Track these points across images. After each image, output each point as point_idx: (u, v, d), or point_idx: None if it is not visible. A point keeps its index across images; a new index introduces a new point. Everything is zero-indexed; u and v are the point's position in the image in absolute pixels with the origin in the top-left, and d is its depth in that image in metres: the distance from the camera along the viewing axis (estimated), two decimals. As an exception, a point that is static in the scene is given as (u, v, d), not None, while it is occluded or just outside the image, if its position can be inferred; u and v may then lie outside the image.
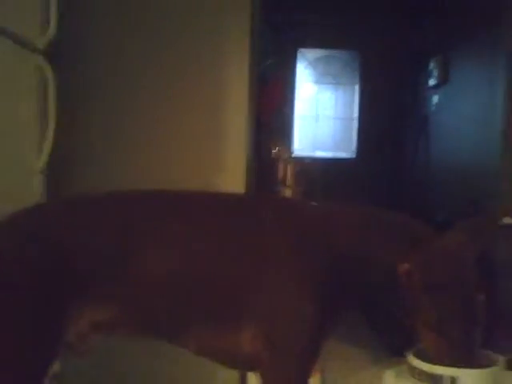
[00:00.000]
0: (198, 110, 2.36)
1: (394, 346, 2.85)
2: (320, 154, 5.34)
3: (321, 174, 3.10)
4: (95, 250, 1.21)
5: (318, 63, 5.46)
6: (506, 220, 2.74)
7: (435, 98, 4.19)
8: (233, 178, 2.36)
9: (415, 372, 1.27)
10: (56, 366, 1.32)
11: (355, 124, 5.43)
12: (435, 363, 1.24)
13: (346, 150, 5.45)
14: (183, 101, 2.36)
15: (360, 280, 1.27)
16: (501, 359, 1.30)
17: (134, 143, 2.35)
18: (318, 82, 5.50)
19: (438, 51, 4.07)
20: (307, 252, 1.25)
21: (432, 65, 4.18)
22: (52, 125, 1.96)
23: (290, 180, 2.65)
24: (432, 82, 4.19)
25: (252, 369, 1.35)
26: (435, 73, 4.13)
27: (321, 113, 5.52)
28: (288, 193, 2.62)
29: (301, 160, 2.99)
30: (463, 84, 3.67)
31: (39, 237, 1.18)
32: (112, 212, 1.27)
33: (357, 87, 5.42)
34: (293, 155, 4.84)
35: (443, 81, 4.00)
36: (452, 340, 1.20)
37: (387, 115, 5.18)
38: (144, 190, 1.36)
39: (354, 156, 5.40)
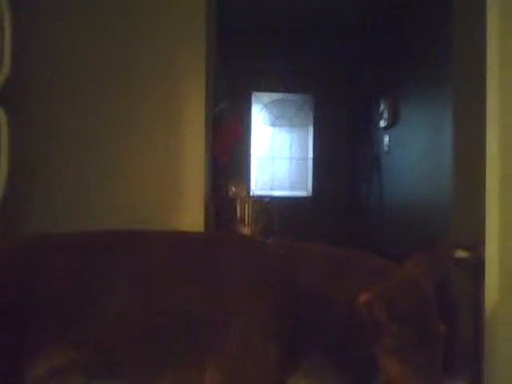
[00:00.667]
0: (154, 150, 2.39)
1: None
2: (277, 193, 5.42)
3: (278, 212, 3.15)
4: (50, 293, 1.19)
5: (272, 106, 5.60)
6: (458, 254, 2.85)
7: (386, 139, 4.33)
8: (192, 218, 2.38)
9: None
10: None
11: (310, 164, 5.56)
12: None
13: (302, 188, 5.56)
14: (140, 142, 2.38)
15: (322, 317, 1.28)
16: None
17: (93, 185, 2.36)
18: (273, 124, 5.63)
19: (388, 94, 4.24)
20: (268, 291, 1.25)
21: (382, 106, 4.34)
22: (5, 167, 1.96)
23: (248, 218, 2.68)
24: (383, 123, 4.34)
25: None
26: (385, 114, 4.29)
27: (276, 154, 5.63)
28: (247, 231, 2.65)
29: (259, 199, 3.03)
30: (413, 125, 3.82)
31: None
32: (67, 254, 1.25)
33: (311, 128, 5.57)
34: (250, 194, 4.90)
35: (393, 122, 4.16)
36: (417, 367, 1.22)
37: (341, 155, 5.33)
38: (100, 230, 1.35)
39: (309, 194, 5.50)
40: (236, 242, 1.40)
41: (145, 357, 1.24)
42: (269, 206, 2.73)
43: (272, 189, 5.50)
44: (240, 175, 4.77)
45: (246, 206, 2.69)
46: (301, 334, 1.27)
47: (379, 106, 4.40)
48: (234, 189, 3.51)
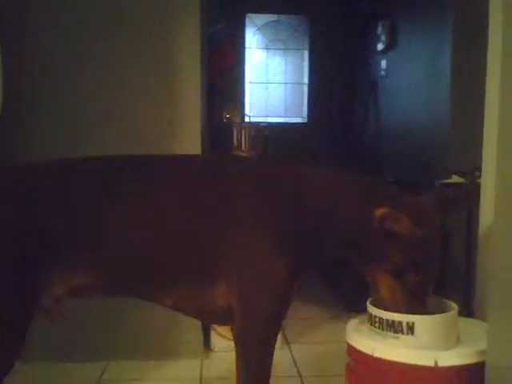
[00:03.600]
0: (151, 76, 2.35)
1: (350, 302, 2.97)
2: (272, 119, 5.37)
3: (274, 138, 3.14)
4: (70, 215, 1.22)
5: (266, 28, 5.44)
6: (455, 179, 2.87)
7: (383, 63, 4.26)
8: (189, 144, 2.37)
9: (375, 321, 1.35)
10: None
11: (305, 89, 5.47)
12: (391, 311, 1.33)
13: (297, 114, 5.50)
14: (136, 68, 2.34)
15: (328, 235, 1.33)
16: (453, 305, 1.39)
17: (90, 112, 2.33)
18: (267, 47, 5.50)
19: (386, 16, 4.12)
20: (277, 210, 1.30)
21: (380, 29, 4.23)
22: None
23: (245, 144, 2.68)
24: (380, 46, 4.24)
25: (225, 323, 1.41)
26: (383, 38, 4.18)
27: (271, 78, 5.53)
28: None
29: (256, 124, 3.01)
30: (411, 48, 3.74)
31: (14, 199, 1.19)
32: (85, 178, 1.28)
33: (306, 52, 5.45)
34: (245, 120, 4.87)
35: (391, 45, 4.07)
36: (408, 287, 1.30)
37: (337, 80, 5.24)
38: (113, 156, 1.38)
39: (305, 121, 5.46)
40: (246, 163, 1.42)
41: (159, 277, 1.30)
42: (265, 132, 2.71)
43: (267, 115, 5.45)
44: (234, 101, 4.71)
45: (243, 131, 2.68)
46: (307, 252, 1.33)
47: (376, 28, 4.29)
48: (228, 115, 3.48)
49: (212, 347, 2.47)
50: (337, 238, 1.34)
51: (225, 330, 2.56)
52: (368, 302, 1.40)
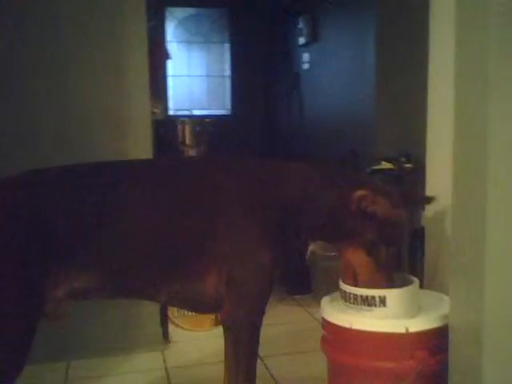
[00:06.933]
0: (101, 77, 2.36)
1: (291, 287, 3.14)
2: (196, 112, 5.43)
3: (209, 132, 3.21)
4: (72, 220, 1.26)
5: (187, 22, 5.48)
6: (384, 165, 3.10)
7: (306, 56, 4.42)
8: (139, 143, 2.41)
9: (350, 297, 1.49)
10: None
11: (228, 81, 5.57)
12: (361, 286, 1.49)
13: (221, 107, 5.59)
14: (86, 71, 2.33)
15: (307, 220, 1.46)
16: (413, 279, 1.56)
17: (38, 119, 2.30)
18: (188, 41, 5.53)
19: (307, 10, 4.28)
20: (262, 201, 1.41)
21: (301, 23, 4.39)
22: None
23: (190, 140, 2.74)
24: (302, 40, 4.41)
25: (214, 311, 1.50)
26: (305, 31, 4.35)
27: (193, 72, 5.58)
28: (192, 152, 2.71)
29: (200, 119, 3.07)
30: (334, 42, 3.92)
31: (20, 205, 1.21)
32: (83, 185, 1.32)
33: (227, 45, 5.54)
34: (169, 114, 4.89)
35: (313, 39, 4.24)
36: (380, 262, 1.48)
37: (259, 73, 5.38)
38: (107, 162, 1.44)
39: (228, 113, 5.56)
40: (228, 161, 1.51)
41: (155, 274, 1.37)
42: (209, 127, 2.79)
43: (190, 108, 5.49)
44: (158, 95, 4.72)
45: (187, 127, 2.74)
46: (290, 239, 1.45)
47: (298, 22, 4.44)
48: (155, 110, 3.50)
49: (170, 338, 2.54)
50: (314, 222, 1.48)
51: (181, 321, 2.64)
52: (341, 281, 1.54)
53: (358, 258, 1.48)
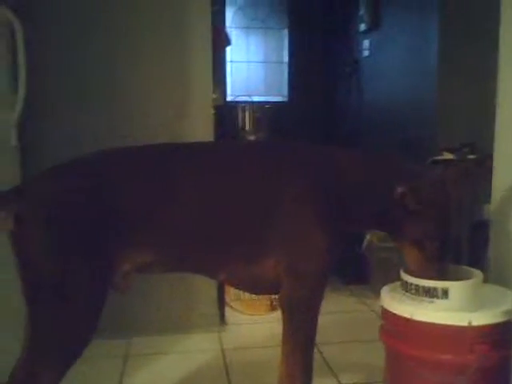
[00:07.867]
0: (165, 61, 2.42)
1: (346, 276, 3.14)
2: (254, 98, 5.44)
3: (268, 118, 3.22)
4: (138, 198, 1.32)
5: (246, 8, 5.48)
6: (446, 155, 3.04)
7: (366, 43, 4.36)
8: (201, 126, 2.46)
9: (411, 288, 1.48)
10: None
11: (286, 68, 5.56)
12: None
13: (278, 93, 5.59)
14: (153, 54, 2.41)
15: (362, 208, 1.47)
16: (478, 272, 1.54)
17: (101, 98, 2.38)
18: (247, 26, 5.54)
19: (368, -4, 4.21)
20: (322, 186, 1.43)
21: (362, 10, 4.32)
22: (23, 76, 1.95)
23: (250, 126, 2.77)
24: (363, 27, 4.34)
25: (273, 293, 1.53)
26: (366, 18, 4.28)
27: (251, 58, 5.59)
28: (251, 138, 2.74)
29: (261, 105, 3.09)
30: (395, 29, 3.85)
31: (90, 184, 1.27)
32: (149, 165, 1.37)
33: (286, 31, 5.52)
34: (227, 100, 4.92)
35: (374, 26, 4.17)
36: (431, 256, 1.48)
37: (318, 60, 5.34)
38: (170, 144, 1.48)
39: (285, 100, 5.55)
40: (289, 147, 1.53)
41: (215, 254, 1.42)
42: (268, 113, 2.81)
43: (248, 94, 5.51)
44: (218, 80, 4.76)
45: (247, 112, 2.76)
46: (346, 226, 1.48)
47: (359, 9, 4.38)
48: (214, 96, 3.54)
49: (227, 321, 2.59)
50: (368, 211, 1.48)
51: (238, 305, 2.69)
52: (402, 272, 1.54)
53: (408, 251, 1.50)
